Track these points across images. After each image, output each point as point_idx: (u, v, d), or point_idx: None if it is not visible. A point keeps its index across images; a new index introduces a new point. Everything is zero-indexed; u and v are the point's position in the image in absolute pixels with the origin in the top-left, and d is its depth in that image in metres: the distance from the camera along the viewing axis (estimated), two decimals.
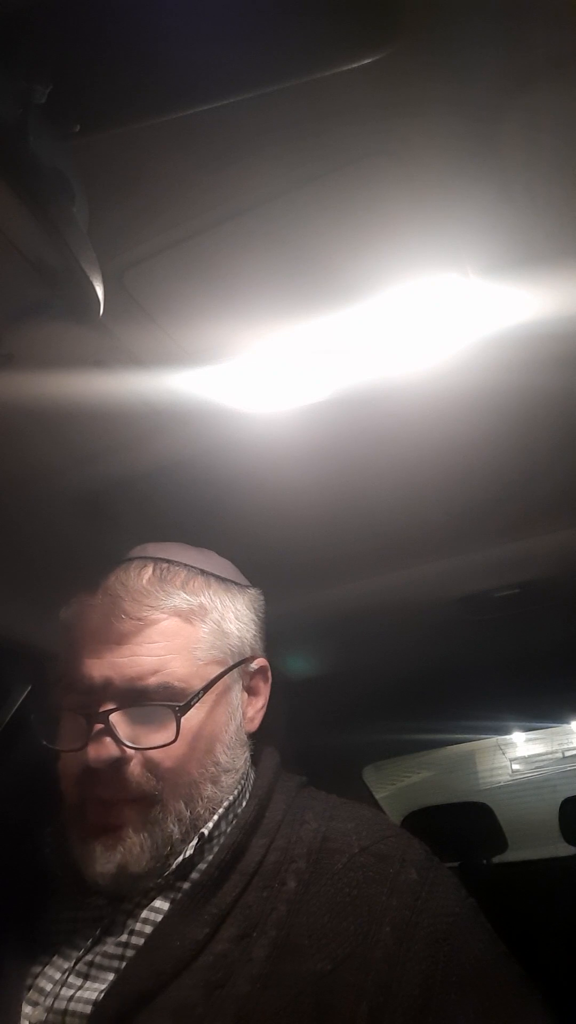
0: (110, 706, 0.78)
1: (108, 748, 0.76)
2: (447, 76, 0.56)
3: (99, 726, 0.77)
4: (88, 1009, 0.72)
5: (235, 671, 0.88)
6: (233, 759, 0.86)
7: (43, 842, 0.84)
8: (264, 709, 0.93)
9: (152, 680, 0.79)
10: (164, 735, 0.78)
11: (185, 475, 1.04)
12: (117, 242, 0.66)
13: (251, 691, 0.92)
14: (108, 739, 0.77)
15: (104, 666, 0.80)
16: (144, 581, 0.84)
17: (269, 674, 0.95)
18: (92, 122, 0.51)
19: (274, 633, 0.97)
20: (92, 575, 0.86)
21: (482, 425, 1.00)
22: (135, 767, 0.78)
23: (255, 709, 0.92)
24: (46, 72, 0.47)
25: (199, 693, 0.81)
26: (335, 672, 2.00)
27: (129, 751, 0.77)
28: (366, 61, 0.51)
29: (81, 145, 0.52)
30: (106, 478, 1.02)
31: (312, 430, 0.96)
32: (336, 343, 0.80)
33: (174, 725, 0.78)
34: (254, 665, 0.92)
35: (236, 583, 0.94)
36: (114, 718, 0.77)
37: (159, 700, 0.79)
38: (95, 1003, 0.72)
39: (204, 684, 0.82)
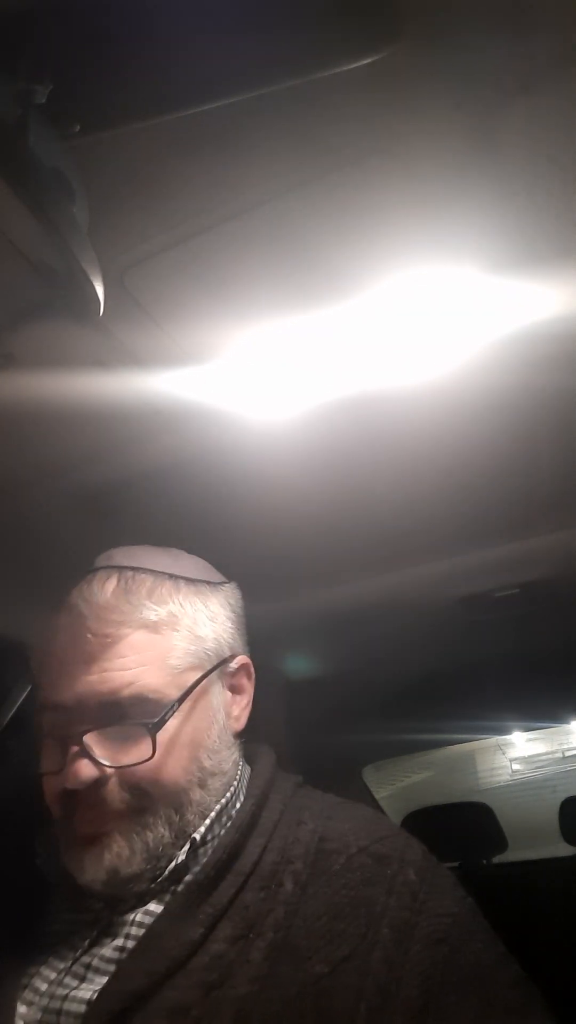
0: (85, 727, 0.77)
1: (85, 770, 0.76)
2: (447, 76, 0.56)
3: (75, 748, 0.77)
4: (83, 1009, 0.72)
5: (214, 673, 0.87)
6: (219, 762, 0.85)
7: (42, 844, 0.83)
8: (250, 706, 0.92)
9: (125, 694, 0.78)
10: (141, 751, 0.77)
11: (185, 475, 1.04)
12: (117, 242, 0.66)
13: (234, 690, 0.91)
14: (86, 760, 0.76)
15: (75, 686, 0.79)
16: (108, 595, 0.82)
17: (252, 670, 0.93)
18: (92, 122, 0.51)
19: (274, 633, 0.97)
20: (58, 591, 0.85)
21: (482, 425, 1.00)
22: (114, 785, 0.77)
23: (240, 708, 0.91)
24: (46, 72, 0.47)
25: (174, 705, 0.80)
26: (335, 672, 2.00)
27: (108, 770, 0.77)
28: (366, 61, 0.51)
29: (81, 145, 0.52)
30: (106, 478, 1.02)
31: (312, 430, 0.96)
32: (336, 344, 0.80)
33: (150, 741, 0.77)
34: (235, 664, 0.91)
35: (208, 582, 0.91)
36: (89, 739, 0.77)
37: (133, 714, 0.78)
38: (88, 1002, 0.72)
39: (180, 693, 0.81)
